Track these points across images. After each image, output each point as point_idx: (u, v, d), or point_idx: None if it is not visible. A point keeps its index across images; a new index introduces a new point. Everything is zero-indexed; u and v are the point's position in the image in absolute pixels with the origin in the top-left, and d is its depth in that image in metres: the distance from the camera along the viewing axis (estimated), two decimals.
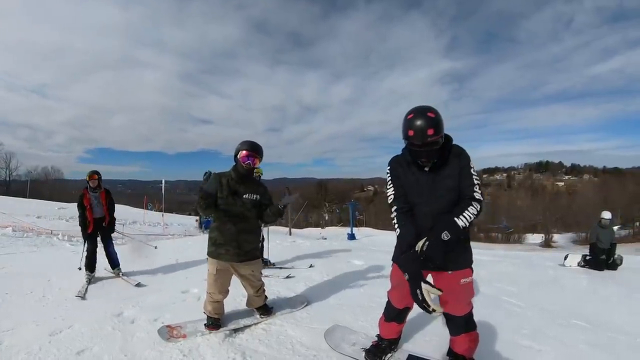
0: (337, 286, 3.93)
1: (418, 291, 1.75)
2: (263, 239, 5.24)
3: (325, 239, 16.25)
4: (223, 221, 2.77)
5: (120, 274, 4.65)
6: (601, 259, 6.61)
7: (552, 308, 3.56)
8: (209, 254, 2.83)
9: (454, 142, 2.00)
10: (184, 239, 10.24)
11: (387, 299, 2.31)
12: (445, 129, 1.90)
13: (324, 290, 3.78)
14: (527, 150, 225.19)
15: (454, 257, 1.96)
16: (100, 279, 4.58)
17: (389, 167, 2.11)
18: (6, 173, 46.09)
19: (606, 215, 7.07)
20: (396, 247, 2.13)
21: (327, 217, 48.90)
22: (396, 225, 2.01)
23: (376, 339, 2.40)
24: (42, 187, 45.84)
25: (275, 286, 3.83)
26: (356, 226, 32.64)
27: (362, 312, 3.12)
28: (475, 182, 1.94)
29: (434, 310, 1.72)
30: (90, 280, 4.41)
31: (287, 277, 4.36)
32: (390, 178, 2.10)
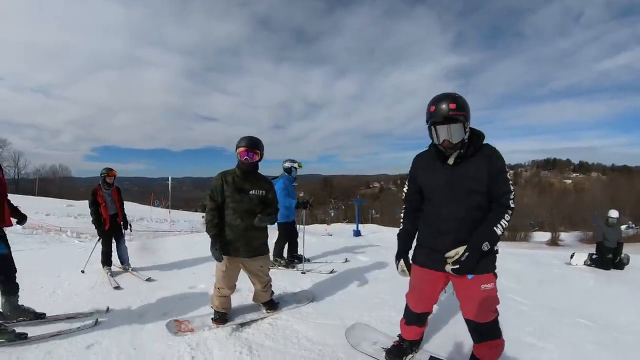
0: (343, 282, 3.96)
1: (397, 263, 2.17)
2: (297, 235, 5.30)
3: (331, 235, 16.30)
4: (232, 218, 2.80)
5: (130, 269, 4.71)
6: (608, 258, 6.54)
7: (558, 306, 3.54)
8: None
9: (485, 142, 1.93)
10: (191, 235, 10.30)
11: (405, 301, 2.27)
12: None
13: (329, 286, 3.82)
14: (534, 147, 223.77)
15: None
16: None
17: (412, 165, 2.17)
18: (15, 172, 46.87)
19: (613, 214, 6.97)
20: (415, 247, 2.15)
21: (332, 214, 48.89)
22: (401, 222, 2.20)
23: (397, 339, 2.37)
24: (50, 185, 46.54)
25: (281, 282, 3.87)
26: (362, 223, 32.70)
27: (366, 309, 3.14)
28: (512, 189, 1.87)
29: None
30: (112, 273, 4.48)
31: (331, 272, 4.42)
32: (409, 176, 2.17)
